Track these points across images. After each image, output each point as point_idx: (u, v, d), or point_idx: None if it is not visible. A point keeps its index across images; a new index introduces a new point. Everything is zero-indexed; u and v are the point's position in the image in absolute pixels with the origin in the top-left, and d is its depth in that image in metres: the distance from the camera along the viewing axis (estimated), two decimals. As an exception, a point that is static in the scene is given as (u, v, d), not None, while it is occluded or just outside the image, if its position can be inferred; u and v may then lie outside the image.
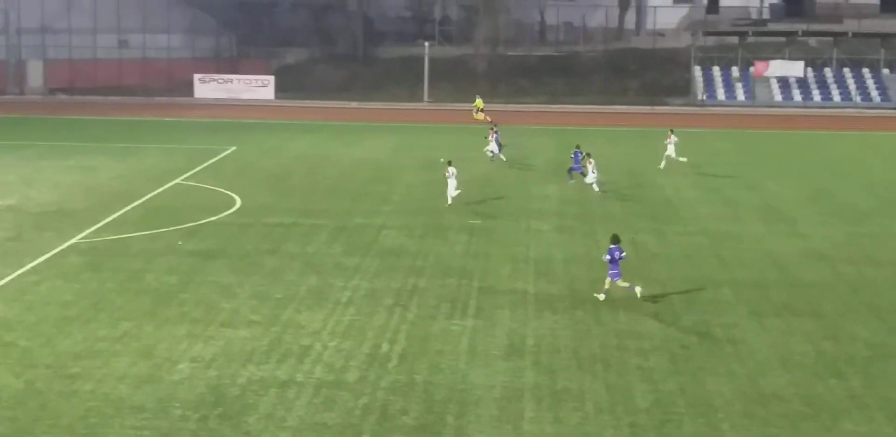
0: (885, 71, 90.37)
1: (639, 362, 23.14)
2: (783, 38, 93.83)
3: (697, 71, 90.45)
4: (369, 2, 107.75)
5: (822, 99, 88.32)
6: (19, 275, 29.79)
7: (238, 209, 39.75)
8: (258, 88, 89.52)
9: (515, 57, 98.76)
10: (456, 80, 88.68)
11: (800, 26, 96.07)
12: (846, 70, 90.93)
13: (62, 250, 32.91)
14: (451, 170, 40.59)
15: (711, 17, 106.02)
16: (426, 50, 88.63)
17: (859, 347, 24.47)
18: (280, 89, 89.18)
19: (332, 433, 19.25)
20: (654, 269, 31.44)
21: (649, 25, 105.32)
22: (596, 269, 30.09)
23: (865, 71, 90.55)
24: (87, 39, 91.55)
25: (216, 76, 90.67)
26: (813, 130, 72.96)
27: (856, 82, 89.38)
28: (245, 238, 34.86)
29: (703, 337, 24.97)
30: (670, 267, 31.77)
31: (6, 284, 28.92)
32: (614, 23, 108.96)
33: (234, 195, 42.33)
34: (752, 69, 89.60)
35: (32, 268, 30.61)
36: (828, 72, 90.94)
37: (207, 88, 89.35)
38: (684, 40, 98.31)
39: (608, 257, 27.43)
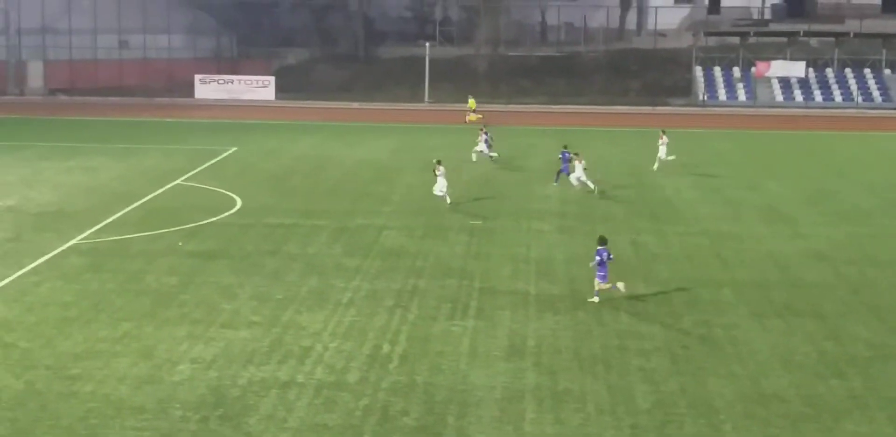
0: (887, 71, 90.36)
1: (640, 362, 23.11)
2: (785, 39, 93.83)
3: (699, 71, 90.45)
4: (370, 2, 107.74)
5: (824, 99, 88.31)
6: (19, 276, 29.77)
7: (239, 210, 39.73)
8: (259, 88, 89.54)
9: (516, 57, 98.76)
10: (457, 80, 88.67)
11: (801, 27, 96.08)
12: (848, 70, 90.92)
13: (62, 250, 32.89)
14: (441, 169, 40.66)
15: (713, 17, 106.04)
16: (427, 50, 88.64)
17: (860, 347, 24.44)
18: (281, 90, 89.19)
19: (333, 433, 19.22)
20: (655, 269, 31.42)
21: (650, 26, 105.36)
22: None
23: (867, 71, 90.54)
24: (87, 40, 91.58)
25: (217, 77, 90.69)
26: (814, 130, 72.95)
27: (857, 83, 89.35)
28: (246, 239, 34.84)
29: (704, 338, 24.94)
30: (671, 267, 31.74)
31: (6, 285, 28.90)
32: (615, 23, 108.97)
33: (234, 196, 42.32)
34: (753, 69, 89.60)
35: (33, 269, 30.58)
36: (829, 72, 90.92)
37: (208, 88, 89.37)
38: (686, 41, 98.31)
39: (598, 258, 27.35)
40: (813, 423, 19.93)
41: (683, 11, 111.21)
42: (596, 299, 27.50)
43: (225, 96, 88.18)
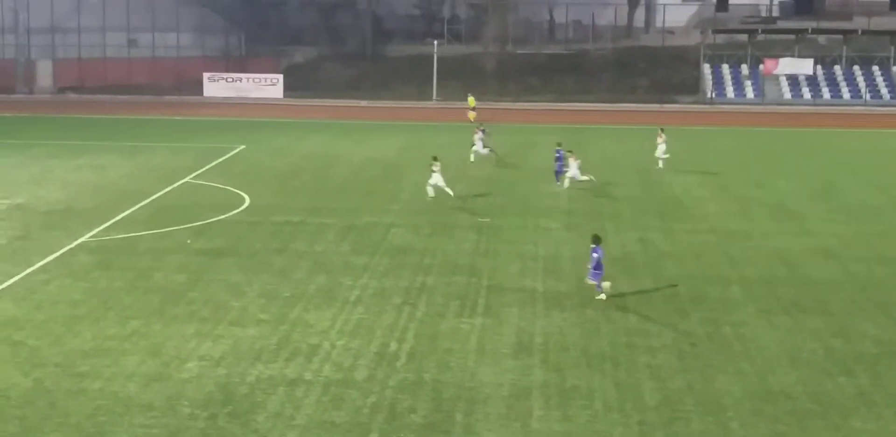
0: (895, 68, 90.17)
1: (647, 359, 23.11)
2: (793, 36, 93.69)
3: (707, 69, 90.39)
4: (378, 0, 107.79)
5: (832, 96, 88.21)
6: (28, 274, 29.83)
7: (247, 208, 39.79)
8: (267, 86, 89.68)
9: (524, 55, 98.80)
10: (465, 78, 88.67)
11: (809, 24, 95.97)
12: (856, 67, 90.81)
13: (71, 248, 32.96)
14: (437, 165, 40.90)
15: (721, 14, 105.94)
16: (435, 48, 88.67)
17: (868, 344, 24.41)
18: (289, 88, 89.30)
19: (341, 431, 19.25)
20: (663, 267, 31.41)
21: (659, 23, 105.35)
22: (604, 267, 30.06)
23: (875, 68, 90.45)
24: (96, 38, 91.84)
25: (225, 75, 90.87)
26: (822, 127, 72.86)
27: (865, 80, 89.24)
28: (254, 237, 34.88)
29: (711, 335, 24.93)
30: (679, 265, 31.72)
31: (15, 282, 28.96)
32: (623, 21, 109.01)
33: (242, 194, 42.38)
34: (761, 67, 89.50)
35: (41, 267, 30.65)
36: (837, 69, 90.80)
37: (216, 86, 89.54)
38: (694, 38, 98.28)
39: (596, 256, 27.34)
40: (820, 420, 19.91)
41: (691, 9, 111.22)
42: (603, 296, 27.51)
43: (233, 94, 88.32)
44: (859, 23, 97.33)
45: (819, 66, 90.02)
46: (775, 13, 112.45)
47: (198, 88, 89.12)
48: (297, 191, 44.02)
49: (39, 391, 20.98)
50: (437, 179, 41.01)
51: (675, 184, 46.32)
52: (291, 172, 48.79)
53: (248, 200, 41.06)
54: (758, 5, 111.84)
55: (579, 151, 47.00)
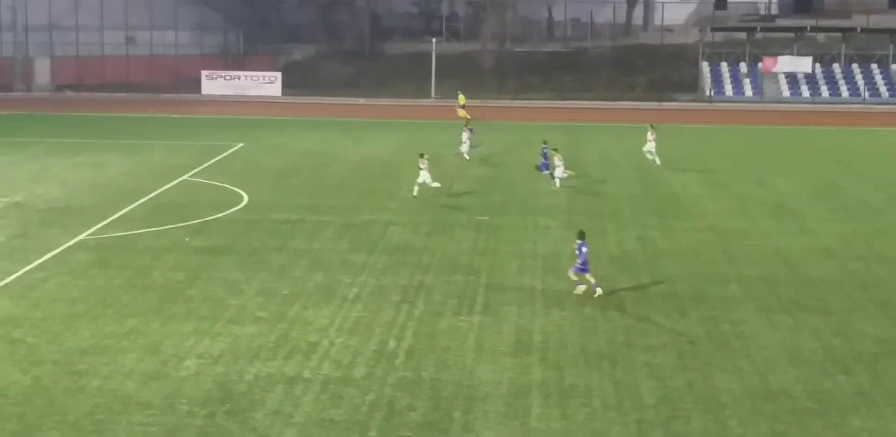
0: (894, 66, 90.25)
1: (646, 358, 23.08)
2: (791, 34, 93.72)
3: (705, 67, 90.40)
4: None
5: (831, 95, 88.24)
6: (26, 272, 29.79)
7: (245, 206, 39.75)
8: (265, 84, 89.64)
9: (523, 53, 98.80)
10: (463, 76, 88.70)
11: (808, 22, 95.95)
12: (855, 66, 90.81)
13: (69, 246, 32.92)
14: (425, 162, 40.91)
15: (719, 12, 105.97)
16: (433, 46, 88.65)
17: (867, 343, 24.39)
18: (287, 86, 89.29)
19: (339, 429, 19.22)
20: (662, 265, 31.38)
21: (657, 21, 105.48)
22: (603, 265, 30.10)
23: (874, 66, 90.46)
24: (94, 36, 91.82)
25: (223, 73, 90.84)
26: (821, 125, 72.84)
27: (864, 78, 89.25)
28: (252, 235, 34.85)
29: (710, 333, 24.91)
30: (678, 263, 31.69)
31: (13, 280, 28.93)
32: (622, 19, 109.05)
33: (241, 192, 42.34)
34: (760, 65, 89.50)
35: (39, 265, 30.61)
36: (836, 67, 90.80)
37: (215, 84, 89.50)
38: (692, 36, 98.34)
39: (584, 249, 27.29)
40: (820, 419, 19.89)
41: (690, 7, 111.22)
42: (599, 290, 27.48)
43: (231, 92, 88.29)
44: (858, 21, 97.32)
45: (818, 65, 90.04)
46: (774, 11, 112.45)
47: (196, 85, 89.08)
48: (296, 189, 43.99)
49: (38, 388, 20.94)
50: (424, 176, 40.94)
51: (674, 182, 46.30)
52: (290, 170, 48.76)
53: (246, 198, 41.02)
54: (757, 3, 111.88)
55: (579, 150, 47.03)
